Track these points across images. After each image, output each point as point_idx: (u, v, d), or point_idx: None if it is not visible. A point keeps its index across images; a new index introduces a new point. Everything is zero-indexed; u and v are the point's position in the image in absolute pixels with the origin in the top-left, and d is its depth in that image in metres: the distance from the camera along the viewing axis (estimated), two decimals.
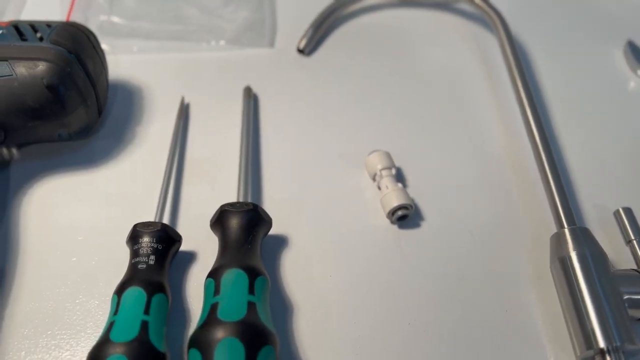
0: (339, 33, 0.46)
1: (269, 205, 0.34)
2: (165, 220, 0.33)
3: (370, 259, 0.32)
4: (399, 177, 0.36)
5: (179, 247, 0.31)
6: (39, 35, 0.34)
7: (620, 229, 0.31)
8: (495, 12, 0.43)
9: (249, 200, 0.33)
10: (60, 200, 0.34)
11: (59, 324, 0.29)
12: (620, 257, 0.32)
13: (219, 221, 0.30)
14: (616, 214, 0.32)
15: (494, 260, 0.32)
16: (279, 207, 0.34)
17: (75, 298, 0.30)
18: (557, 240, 0.30)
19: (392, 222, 0.33)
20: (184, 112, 0.39)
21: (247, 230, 0.30)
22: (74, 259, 0.32)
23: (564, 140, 0.39)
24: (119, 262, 0.30)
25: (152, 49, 0.44)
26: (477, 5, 0.44)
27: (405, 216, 0.33)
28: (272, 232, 0.32)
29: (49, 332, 0.29)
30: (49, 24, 0.35)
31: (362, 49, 0.45)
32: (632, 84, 0.43)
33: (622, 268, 0.30)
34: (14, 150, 0.36)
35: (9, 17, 0.46)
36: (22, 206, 0.34)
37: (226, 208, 0.30)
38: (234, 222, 0.30)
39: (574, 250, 0.29)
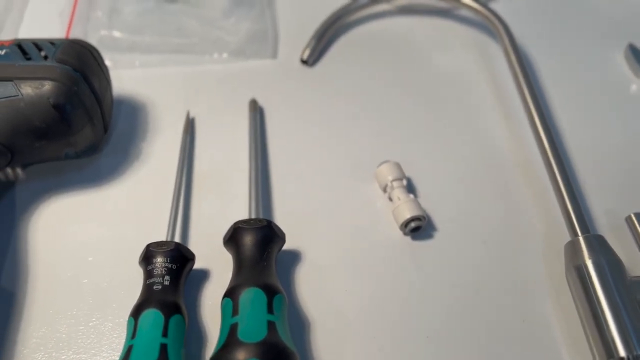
0: (342, 42, 0.46)
1: (280, 219, 0.34)
2: (177, 237, 0.33)
3: (385, 272, 0.32)
4: (410, 187, 0.36)
5: (193, 266, 0.31)
6: (43, 53, 0.34)
7: (633, 234, 0.31)
8: (498, 18, 0.43)
9: (261, 215, 0.33)
10: (69, 220, 0.34)
11: (74, 348, 0.29)
12: (634, 263, 0.32)
13: (233, 238, 0.30)
14: (628, 219, 0.32)
15: (508, 269, 0.32)
16: (290, 221, 0.34)
17: (89, 321, 0.30)
18: (572, 249, 0.30)
19: (405, 234, 0.33)
20: (189, 127, 0.39)
21: (261, 247, 0.29)
22: (85, 280, 0.31)
23: (571, 145, 0.39)
24: (132, 282, 0.30)
25: (154, 63, 0.43)
26: (478, 12, 0.44)
27: (419, 227, 0.33)
28: (284, 246, 0.32)
29: (63, 357, 0.28)
30: (52, 42, 0.35)
31: (365, 58, 0.45)
32: (634, 87, 0.43)
33: (637, 274, 0.30)
34: (19, 171, 0.36)
35: (7, 33, 0.45)
36: (29, 227, 0.33)
37: (240, 225, 0.30)
38: (249, 239, 0.29)
39: (590, 258, 0.29)
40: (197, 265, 0.32)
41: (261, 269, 0.28)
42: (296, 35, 0.46)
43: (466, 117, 0.40)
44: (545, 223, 0.34)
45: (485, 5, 0.44)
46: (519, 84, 0.39)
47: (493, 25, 0.43)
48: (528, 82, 0.38)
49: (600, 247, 0.29)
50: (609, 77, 0.44)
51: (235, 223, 0.30)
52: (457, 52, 0.45)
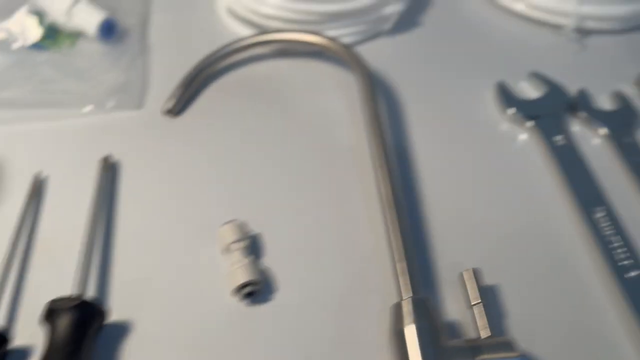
0: (213, 89, 0.45)
1: (117, 288, 0.33)
2: (1, 314, 0.32)
3: (216, 343, 0.31)
4: (258, 246, 0.35)
5: (6, 348, 0.30)
6: None
7: (463, 292, 0.31)
8: (357, 61, 0.42)
9: (90, 287, 0.32)
10: None
11: None
12: (465, 320, 0.31)
13: (45, 319, 0.29)
14: (460, 277, 0.32)
15: (343, 331, 0.32)
16: (128, 289, 0.33)
17: None
18: (395, 312, 0.30)
19: (241, 299, 0.33)
20: (38, 189, 0.38)
21: (73, 329, 0.28)
22: None
23: (425, 192, 0.38)
24: None
25: (10, 119, 0.42)
26: (339, 54, 0.43)
27: (254, 292, 0.32)
28: (118, 318, 0.31)
29: None
30: None
31: (234, 105, 0.44)
32: (502, 127, 0.43)
33: (466, 334, 0.30)
34: None
35: None
36: None
37: (51, 305, 0.29)
38: (60, 321, 0.28)
39: (408, 323, 0.28)
40: (22, 342, 0.30)
41: (67, 353, 0.27)
42: (169, 84, 0.45)
43: (325, 167, 0.40)
44: (390, 282, 0.33)
45: (347, 48, 0.43)
46: (369, 130, 0.38)
47: (353, 68, 0.43)
48: (378, 128, 0.38)
49: (421, 311, 0.29)
50: (477, 117, 0.43)
51: (49, 302, 0.29)
52: (326, 98, 0.45)
